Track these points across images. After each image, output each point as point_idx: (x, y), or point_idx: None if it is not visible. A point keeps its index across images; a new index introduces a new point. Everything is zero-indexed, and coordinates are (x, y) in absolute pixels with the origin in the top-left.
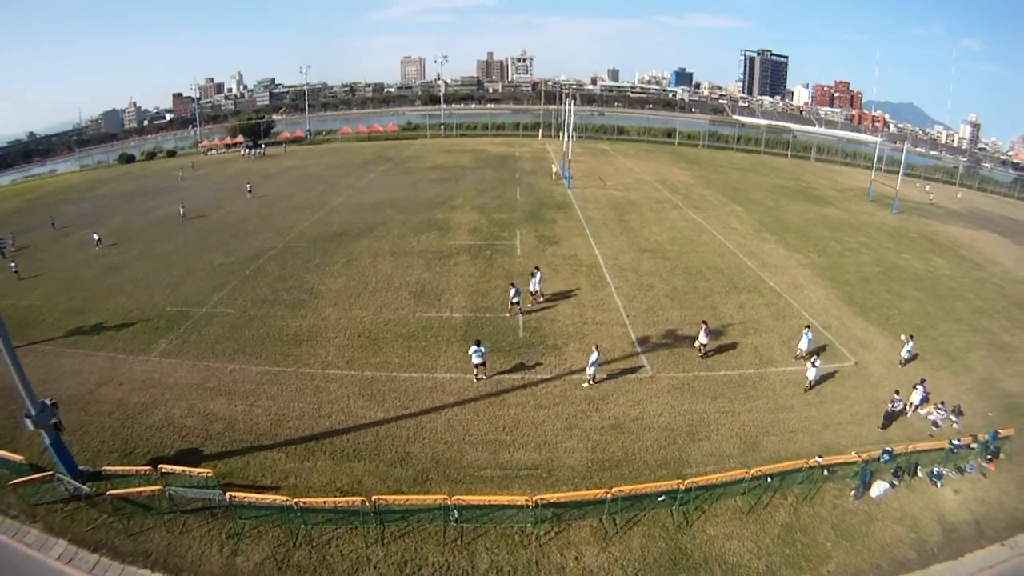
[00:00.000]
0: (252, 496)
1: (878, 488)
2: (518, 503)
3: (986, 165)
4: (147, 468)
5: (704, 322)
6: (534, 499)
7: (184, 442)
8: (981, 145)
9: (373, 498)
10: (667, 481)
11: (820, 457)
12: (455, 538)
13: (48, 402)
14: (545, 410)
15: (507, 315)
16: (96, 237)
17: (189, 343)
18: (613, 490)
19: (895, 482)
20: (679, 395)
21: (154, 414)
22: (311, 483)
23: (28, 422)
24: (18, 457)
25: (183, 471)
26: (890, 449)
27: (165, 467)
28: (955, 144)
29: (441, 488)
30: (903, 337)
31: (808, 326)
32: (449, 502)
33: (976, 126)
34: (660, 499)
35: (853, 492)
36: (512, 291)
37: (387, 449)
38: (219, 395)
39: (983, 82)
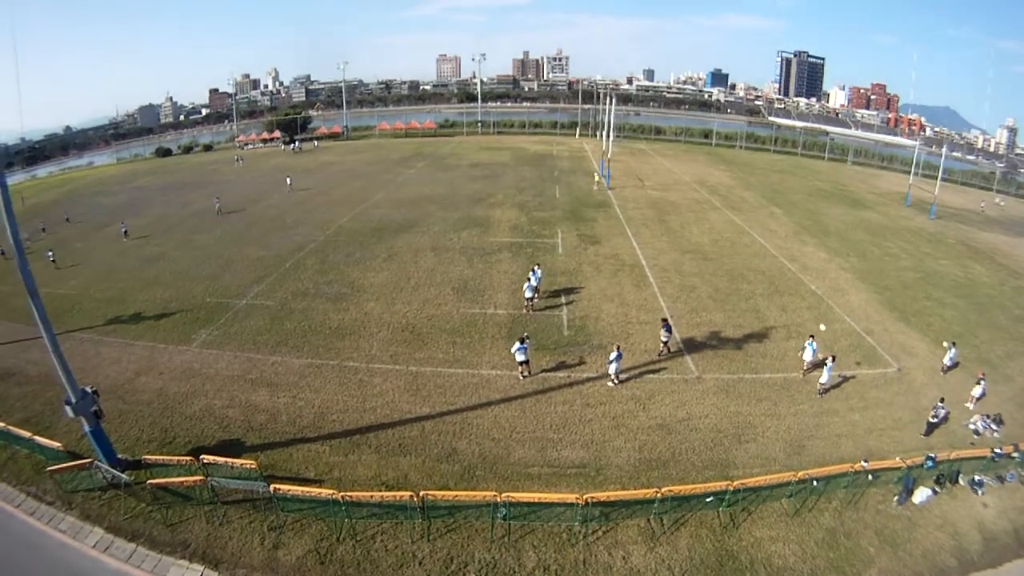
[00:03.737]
0: (296, 489)
1: (921, 494)
2: (568, 501)
3: (1022, 170)
4: (188, 458)
5: (664, 319)
6: (584, 497)
7: (225, 433)
8: (1018, 150)
9: (420, 493)
10: (715, 482)
11: (865, 462)
12: (502, 535)
13: (88, 389)
14: (592, 409)
15: (524, 311)
16: (124, 229)
17: (230, 334)
18: (662, 490)
19: (937, 489)
20: (725, 397)
21: (194, 404)
22: (356, 477)
23: (68, 409)
24: (56, 444)
25: (225, 462)
26: (934, 456)
27: (207, 457)
28: (992, 149)
29: (488, 485)
30: (945, 344)
31: (812, 336)
32: (498, 499)
33: (1013, 131)
34: (708, 500)
35: (896, 498)
36: (527, 285)
37: (433, 444)
38: (261, 387)
39: (1022, 85)
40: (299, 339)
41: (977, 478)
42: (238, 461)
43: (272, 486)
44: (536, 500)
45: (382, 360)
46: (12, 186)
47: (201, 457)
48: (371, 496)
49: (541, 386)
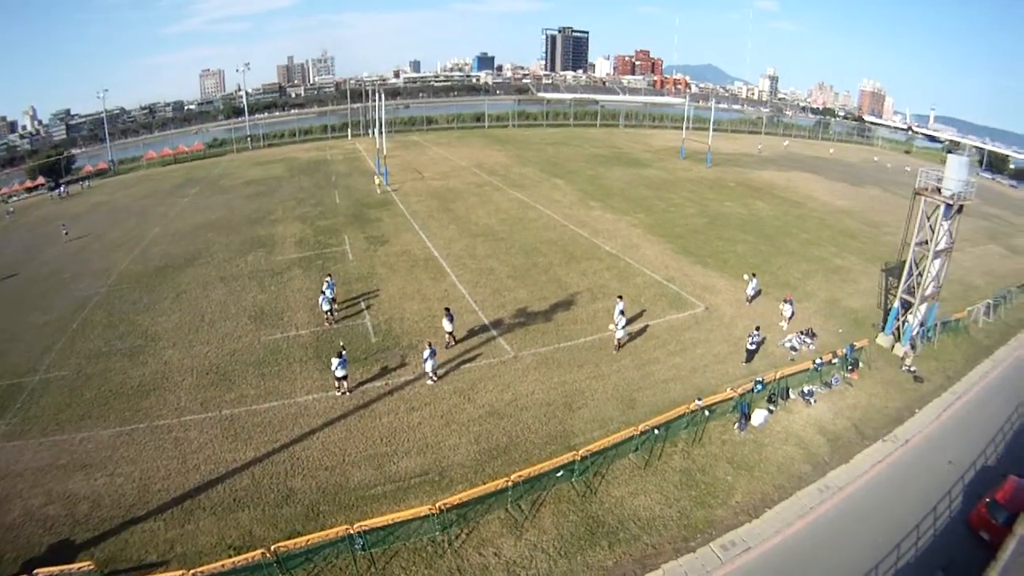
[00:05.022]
0: None
1: (758, 417)
2: (421, 514)
3: (787, 113)
4: None
5: (446, 308)
6: (437, 506)
7: (52, 535)
8: (780, 95)
9: (272, 548)
10: (560, 456)
11: (699, 400)
12: (368, 567)
13: None
14: (418, 412)
15: (326, 325)
16: None
17: (29, 419)
18: (512, 477)
19: (772, 408)
20: (546, 370)
21: (11, 511)
22: (199, 547)
23: None
24: None
25: (60, 571)
26: (761, 379)
27: (41, 572)
28: (756, 97)
29: (336, 518)
30: (746, 276)
31: (620, 296)
32: (352, 531)
33: (774, 79)
34: (558, 475)
35: (736, 425)
36: (321, 297)
37: (268, 490)
38: (75, 471)
39: (779, 39)
40: (102, 407)
41: (807, 389)
42: (74, 566)
43: None
44: (390, 522)
45: (193, 411)
46: None
47: (34, 573)
48: (223, 565)
49: (361, 400)
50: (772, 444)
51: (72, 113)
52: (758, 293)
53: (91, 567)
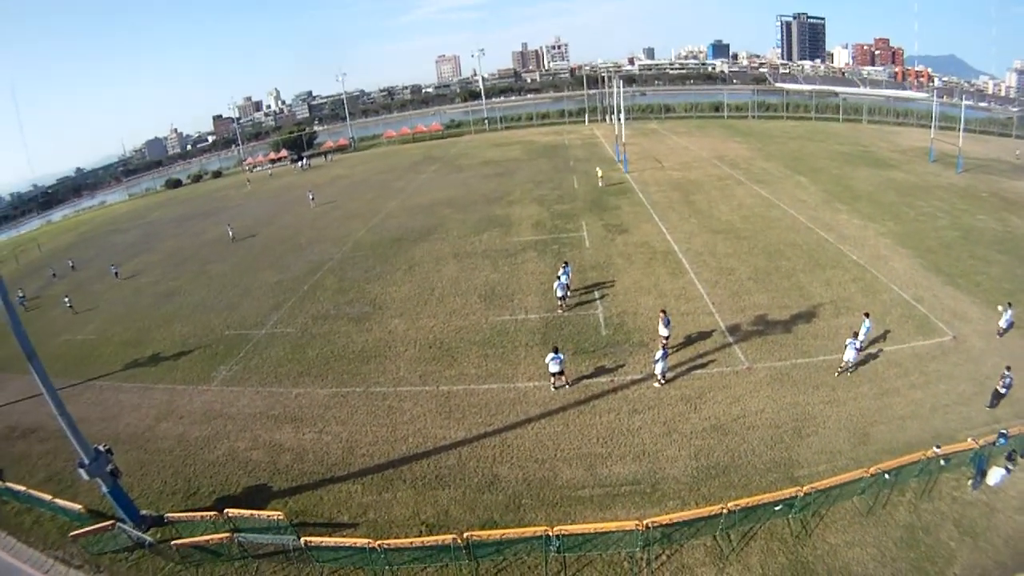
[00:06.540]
0: (329, 540)
1: (995, 475)
2: (626, 528)
3: None
4: (213, 513)
5: (663, 311)
6: (644, 523)
7: (251, 478)
8: None
9: (464, 534)
10: (782, 489)
11: (938, 447)
12: (558, 570)
13: (102, 448)
14: (640, 415)
15: (558, 311)
16: (115, 271)
17: (250, 368)
18: (728, 504)
19: (1011, 467)
20: (779, 387)
21: (217, 448)
22: (392, 517)
23: (82, 472)
24: (76, 506)
25: (251, 515)
26: (1005, 431)
27: (232, 511)
28: (1003, 94)
29: (536, 513)
30: (1000, 307)
31: (867, 314)
32: (551, 533)
33: (1023, 73)
34: (776, 508)
35: (971, 482)
36: (557, 283)
37: (472, 472)
38: (285, 423)
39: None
40: (322, 367)
41: None
42: (264, 513)
43: (303, 538)
44: (592, 531)
45: (411, 382)
46: (27, 233)
47: (225, 511)
48: (411, 543)
49: (583, 395)
50: (1004, 511)
51: (313, 94)
52: (1011, 326)
53: (281, 517)
